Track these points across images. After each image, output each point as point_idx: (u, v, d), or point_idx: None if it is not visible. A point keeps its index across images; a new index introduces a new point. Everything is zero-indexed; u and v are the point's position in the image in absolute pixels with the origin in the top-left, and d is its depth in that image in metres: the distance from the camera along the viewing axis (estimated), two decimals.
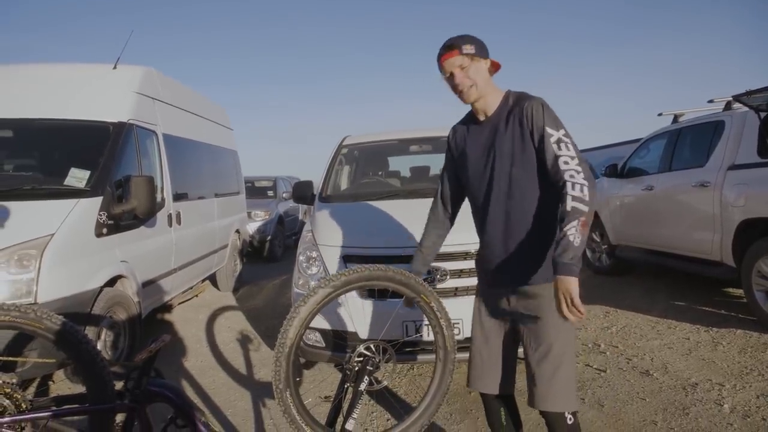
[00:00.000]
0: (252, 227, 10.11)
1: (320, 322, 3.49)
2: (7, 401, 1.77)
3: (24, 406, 1.79)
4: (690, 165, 5.41)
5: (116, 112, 4.39)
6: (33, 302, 3.22)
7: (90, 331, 3.49)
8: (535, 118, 1.82)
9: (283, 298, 6.57)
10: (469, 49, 1.87)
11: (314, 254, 3.73)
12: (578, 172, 1.72)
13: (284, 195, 11.80)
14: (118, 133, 4.28)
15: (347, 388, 2.09)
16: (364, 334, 3.39)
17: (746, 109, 4.84)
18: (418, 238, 3.51)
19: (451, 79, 1.92)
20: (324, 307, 2.02)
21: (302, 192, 4.63)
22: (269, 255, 10.63)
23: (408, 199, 4.15)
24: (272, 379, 1.91)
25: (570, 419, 1.89)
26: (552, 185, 1.81)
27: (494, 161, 1.92)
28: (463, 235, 3.00)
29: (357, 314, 3.44)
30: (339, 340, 3.50)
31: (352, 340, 3.44)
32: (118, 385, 1.84)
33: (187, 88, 6.29)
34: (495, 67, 1.97)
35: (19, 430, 1.78)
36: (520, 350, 2.04)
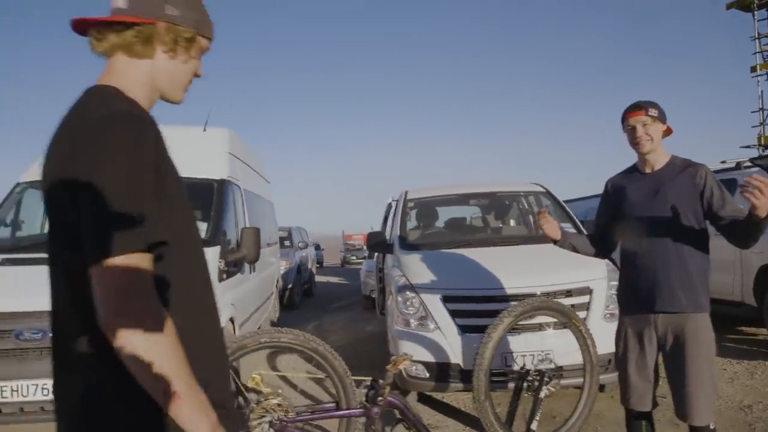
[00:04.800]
0: None
1: (424, 354, 3.95)
2: (278, 409, 2.21)
3: (289, 413, 2.23)
4: None
5: (218, 170, 4.90)
6: None
7: None
8: (708, 180, 2.41)
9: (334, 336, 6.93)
10: (653, 112, 2.42)
11: (411, 294, 4.22)
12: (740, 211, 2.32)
13: (300, 245, 12.23)
14: (221, 188, 4.78)
15: (523, 396, 2.58)
16: (465, 364, 3.85)
17: (755, 168, 5.64)
18: (504, 281, 4.10)
19: (632, 131, 2.46)
20: (505, 332, 2.52)
21: (378, 240, 5.17)
22: (289, 302, 10.96)
23: (485, 247, 4.70)
24: (473, 391, 2.38)
25: (712, 426, 2.39)
26: (700, 228, 2.40)
27: (660, 204, 2.42)
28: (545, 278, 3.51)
29: (457, 347, 3.92)
30: (442, 372, 3.95)
31: (455, 371, 3.91)
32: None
33: (247, 144, 6.85)
34: (668, 132, 2.52)
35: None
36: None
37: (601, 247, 2.78)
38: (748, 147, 14.51)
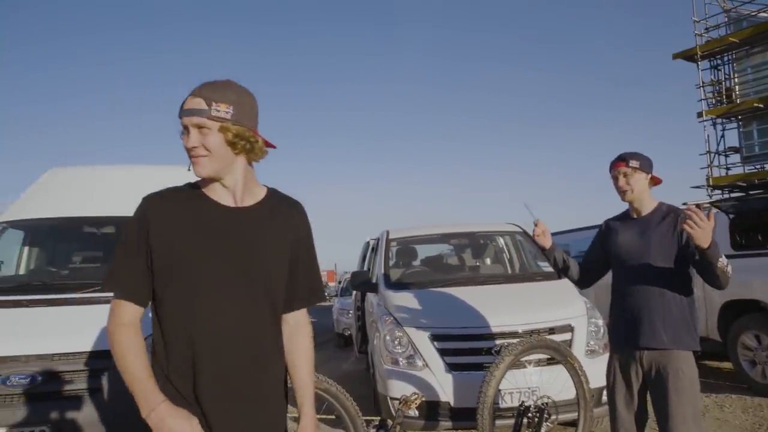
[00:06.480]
0: None
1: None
2: None
3: None
4: None
5: None
6: None
7: None
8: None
9: None
10: (634, 163, 2.62)
11: (399, 333, 4.28)
12: None
13: None
14: None
15: None
16: (455, 402, 3.91)
17: (715, 210, 6.02)
18: (490, 319, 4.22)
19: (615, 181, 2.68)
20: (508, 370, 2.62)
21: (363, 279, 5.24)
22: None
23: (468, 285, 4.82)
24: (478, 429, 2.45)
25: None
26: (682, 270, 2.57)
27: (645, 247, 2.62)
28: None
29: (446, 385, 3.98)
30: (431, 410, 3.99)
31: (444, 409, 3.96)
32: None
33: None
34: (655, 181, 2.72)
35: None
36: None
37: (583, 276, 2.95)
38: (698, 187, 15.31)
